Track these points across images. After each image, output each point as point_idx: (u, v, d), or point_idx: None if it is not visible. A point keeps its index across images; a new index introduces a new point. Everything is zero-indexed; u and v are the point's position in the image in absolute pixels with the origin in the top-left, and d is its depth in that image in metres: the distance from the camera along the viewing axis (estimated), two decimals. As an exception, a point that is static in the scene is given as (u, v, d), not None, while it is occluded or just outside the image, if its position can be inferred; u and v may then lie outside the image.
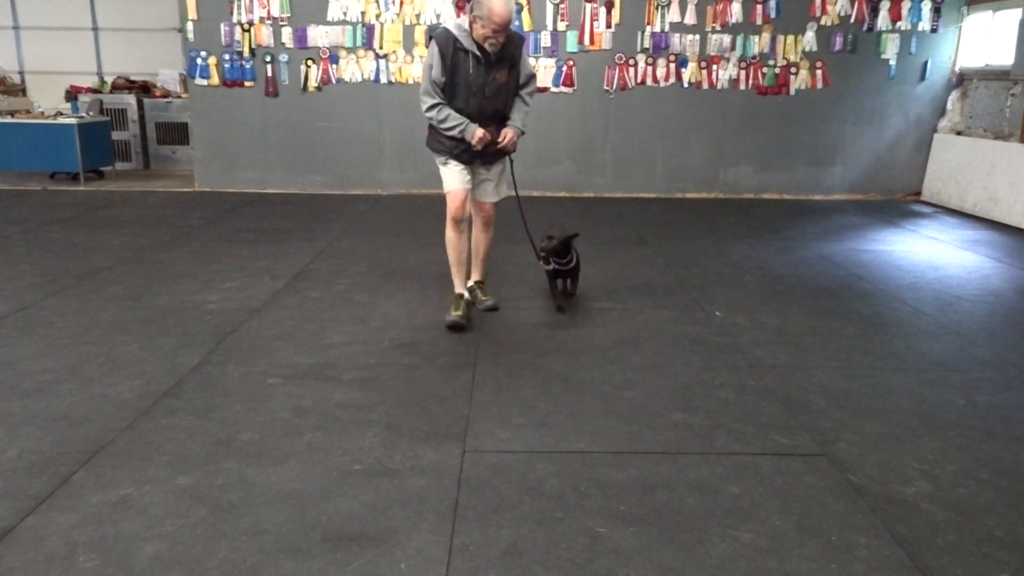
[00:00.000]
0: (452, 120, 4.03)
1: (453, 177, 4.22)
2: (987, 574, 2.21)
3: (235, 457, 2.79)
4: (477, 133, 4.03)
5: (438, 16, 8.60)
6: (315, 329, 4.19)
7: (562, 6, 8.59)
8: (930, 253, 6.29)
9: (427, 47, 4.17)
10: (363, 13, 8.60)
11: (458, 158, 4.17)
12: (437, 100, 4.03)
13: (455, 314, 4.20)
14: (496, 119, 4.15)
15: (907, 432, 3.08)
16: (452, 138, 4.09)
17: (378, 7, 8.58)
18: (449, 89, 4.02)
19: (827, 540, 2.35)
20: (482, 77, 3.98)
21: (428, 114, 4.07)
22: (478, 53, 3.92)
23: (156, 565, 2.18)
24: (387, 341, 4.03)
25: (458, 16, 8.55)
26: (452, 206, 4.21)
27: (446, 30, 3.98)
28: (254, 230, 6.82)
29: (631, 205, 8.50)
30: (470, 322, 4.23)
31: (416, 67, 8.70)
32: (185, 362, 3.68)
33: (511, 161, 4.36)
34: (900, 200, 9.08)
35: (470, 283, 4.57)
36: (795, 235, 6.95)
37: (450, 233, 4.31)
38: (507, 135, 4.13)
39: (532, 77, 4.23)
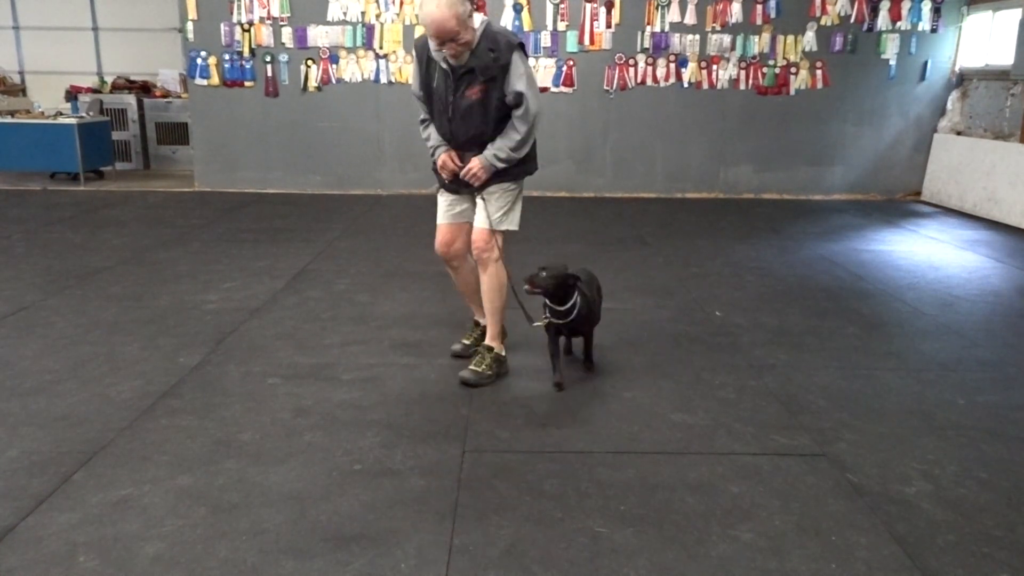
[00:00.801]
0: (431, 140, 3.48)
1: (439, 210, 3.64)
2: (987, 574, 2.21)
3: (235, 457, 2.79)
4: (441, 158, 3.42)
5: (438, 16, 8.59)
6: (315, 329, 4.19)
7: (562, 6, 8.59)
8: (930, 253, 6.29)
9: None
10: (363, 13, 8.60)
11: (444, 186, 3.56)
12: (424, 115, 3.52)
13: (462, 342, 3.83)
14: (477, 145, 3.36)
15: (907, 432, 3.08)
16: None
17: (378, 7, 8.58)
18: (428, 105, 3.46)
19: (827, 540, 2.35)
20: (450, 94, 3.30)
21: (421, 129, 3.57)
22: (444, 64, 3.28)
23: (156, 565, 2.18)
24: (387, 341, 4.03)
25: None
26: (438, 242, 3.66)
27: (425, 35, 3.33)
28: (254, 230, 6.82)
29: (631, 205, 8.50)
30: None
31: (416, 67, 8.71)
32: (185, 362, 3.68)
33: (483, 200, 3.45)
34: (900, 200, 9.08)
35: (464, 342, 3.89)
36: (795, 235, 6.95)
37: (447, 268, 3.79)
38: (471, 165, 3.34)
39: (519, 96, 3.26)
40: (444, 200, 3.62)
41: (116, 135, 10.02)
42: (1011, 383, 3.61)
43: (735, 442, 2.97)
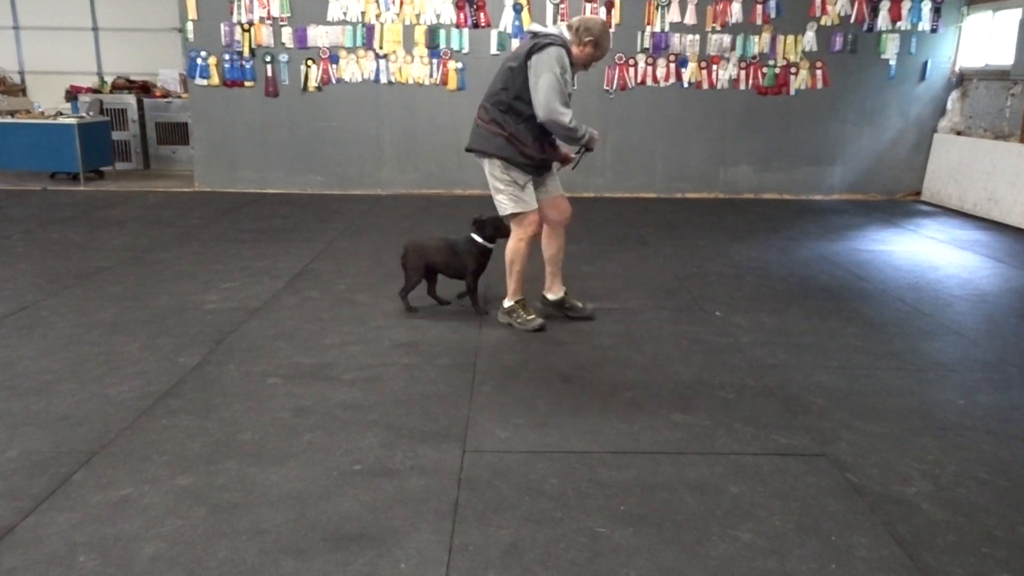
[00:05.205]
0: (582, 127, 4.03)
1: (533, 196, 4.11)
2: (987, 574, 2.21)
3: (235, 457, 2.79)
4: (596, 134, 4.12)
5: (438, 16, 8.60)
6: (315, 329, 4.19)
7: (562, 6, 8.58)
8: (930, 253, 6.29)
9: (543, 54, 3.86)
10: (363, 13, 8.60)
11: (531, 175, 4.12)
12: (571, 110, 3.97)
13: (560, 297, 4.44)
14: None
15: (907, 432, 3.08)
16: (532, 155, 4.02)
17: (378, 7, 8.58)
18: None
19: (827, 540, 2.35)
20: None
21: (571, 124, 3.92)
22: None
23: (156, 565, 2.18)
24: (387, 341, 4.03)
25: (458, 17, 8.56)
26: (536, 225, 4.14)
27: (567, 40, 3.96)
28: (254, 230, 6.82)
29: (631, 205, 8.50)
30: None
31: (416, 67, 8.71)
32: (185, 362, 3.68)
33: (555, 175, 4.40)
34: (900, 200, 9.08)
35: (560, 295, 4.44)
36: (795, 235, 6.95)
37: (526, 249, 4.16)
38: (567, 149, 4.32)
39: None
40: (531, 187, 4.13)
41: (116, 135, 10.02)
42: (1011, 383, 3.61)
43: (735, 442, 2.97)
